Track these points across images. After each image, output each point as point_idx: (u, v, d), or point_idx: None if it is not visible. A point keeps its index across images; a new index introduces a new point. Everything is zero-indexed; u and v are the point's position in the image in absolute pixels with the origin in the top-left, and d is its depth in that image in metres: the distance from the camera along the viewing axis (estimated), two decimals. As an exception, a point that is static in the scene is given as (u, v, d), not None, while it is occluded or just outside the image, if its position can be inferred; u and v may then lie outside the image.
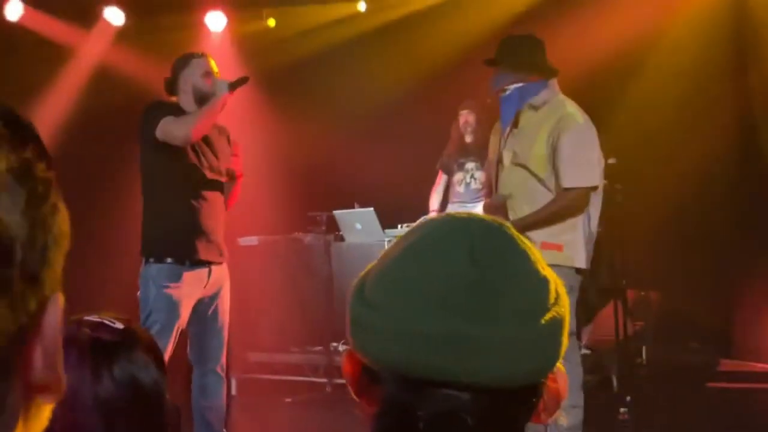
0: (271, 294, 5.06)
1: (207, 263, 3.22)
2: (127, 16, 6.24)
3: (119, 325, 0.93)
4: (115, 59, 6.34)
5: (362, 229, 4.93)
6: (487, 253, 0.66)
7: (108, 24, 6.24)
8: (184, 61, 3.41)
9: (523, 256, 0.68)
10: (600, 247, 4.62)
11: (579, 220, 3.19)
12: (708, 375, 4.99)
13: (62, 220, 0.46)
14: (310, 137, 6.02)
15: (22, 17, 6.05)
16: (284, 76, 6.24)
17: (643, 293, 5.36)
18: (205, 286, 3.22)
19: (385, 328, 0.65)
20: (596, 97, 4.87)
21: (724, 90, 5.32)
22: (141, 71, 6.31)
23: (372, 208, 4.87)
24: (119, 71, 6.33)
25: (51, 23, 6.22)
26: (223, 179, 3.36)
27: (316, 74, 6.21)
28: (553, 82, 3.29)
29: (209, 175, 3.29)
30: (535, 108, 3.25)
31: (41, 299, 0.43)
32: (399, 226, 5.01)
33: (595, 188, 3.17)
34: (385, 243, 4.83)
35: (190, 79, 3.36)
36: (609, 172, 3.90)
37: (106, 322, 0.92)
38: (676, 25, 5.33)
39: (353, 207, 5.04)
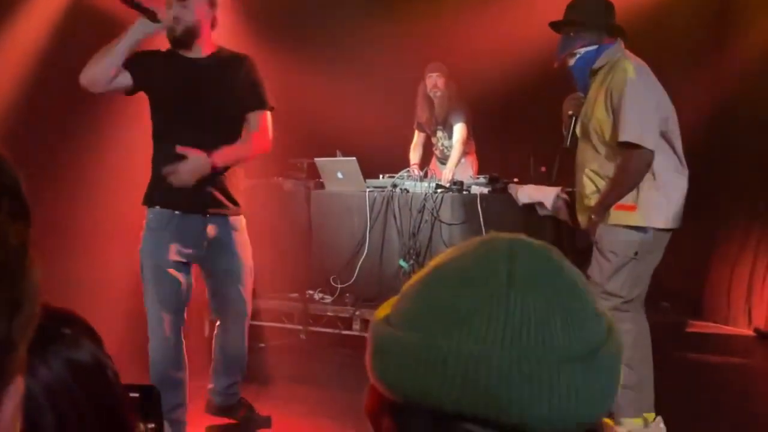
0: (249, 238, 5.01)
1: (200, 213, 2.93)
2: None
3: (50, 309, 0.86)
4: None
5: (344, 178, 4.87)
6: (527, 279, 0.59)
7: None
8: None
9: (570, 287, 0.61)
10: (571, 207, 4.63)
11: (653, 179, 3.07)
12: (677, 335, 5.07)
13: (34, 296, 0.39)
14: (293, 81, 5.88)
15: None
16: (270, 15, 6.06)
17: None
18: (203, 238, 2.94)
19: (409, 352, 0.59)
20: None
21: (702, 67, 5.28)
22: (120, 8, 6.07)
23: (354, 158, 4.80)
24: (95, 7, 6.09)
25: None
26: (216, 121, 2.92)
27: (303, 16, 6.04)
28: (618, 43, 3.12)
29: (182, 117, 2.90)
30: (595, 72, 3.12)
31: None
32: (381, 176, 4.96)
33: (651, 152, 3.01)
34: (366, 193, 4.78)
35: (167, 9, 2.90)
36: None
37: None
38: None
39: (335, 155, 4.97)
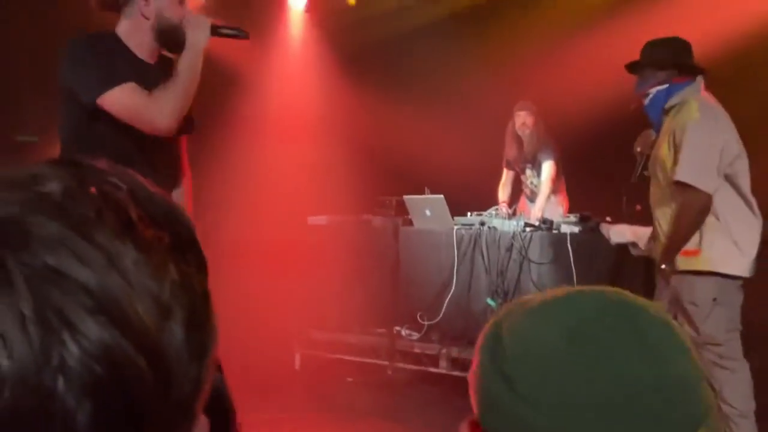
0: (337, 273, 5.12)
1: None
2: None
3: None
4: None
5: (431, 215, 4.91)
6: (658, 352, 0.61)
7: (193, -3, 6.35)
8: None
9: (685, 352, 0.63)
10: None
11: (716, 221, 3.03)
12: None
13: (216, 339, 0.43)
14: (384, 119, 6.02)
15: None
16: (363, 56, 6.25)
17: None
18: None
19: (522, 423, 0.60)
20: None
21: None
22: (223, 43, 6.41)
23: (442, 196, 4.84)
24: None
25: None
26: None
27: (394, 56, 6.20)
28: (698, 81, 3.14)
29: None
30: (667, 111, 3.15)
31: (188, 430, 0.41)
32: (468, 214, 4.98)
33: (707, 195, 2.99)
34: (454, 230, 4.80)
35: (157, 1, 2.35)
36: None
37: None
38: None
39: (423, 192, 5.03)
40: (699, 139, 2.98)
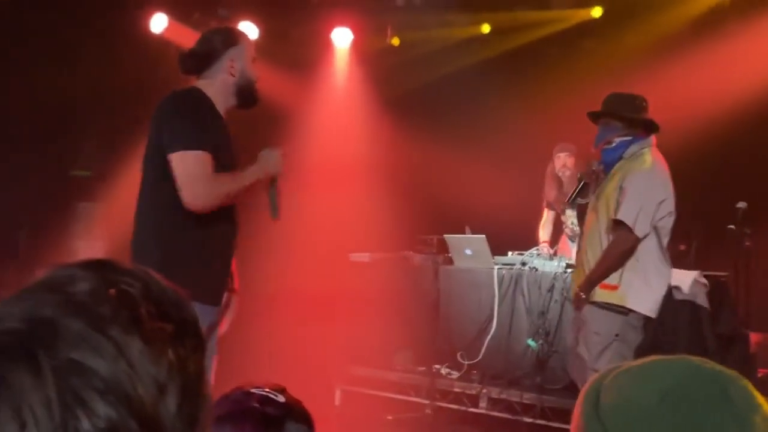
0: (379, 310, 5.16)
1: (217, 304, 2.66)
2: (260, 30, 6.52)
3: (281, 399, 1.05)
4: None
5: (472, 254, 4.93)
6: (743, 417, 0.67)
7: (242, 38, 6.53)
8: (233, 37, 2.64)
9: (766, 420, 0.69)
10: (723, 291, 4.44)
11: (636, 262, 3.30)
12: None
13: (207, 411, 0.53)
14: (425, 158, 6.09)
15: (166, 30, 6.46)
16: (405, 95, 6.35)
17: (769, 337, 5.08)
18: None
19: None
20: (730, 139, 4.70)
21: None
22: (269, 82, 6.58)
23: (483, 235, 4.87)
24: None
25: (192, 36, 6.58)
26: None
27: (436, 96, 6.28)
28: (651, 137, 3.43)
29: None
30: (624, 159, 3.42)
31: None
32: (509, 253, 4.98)
33: (637, 238, 3.26)
34: (495, 270, 4.81)
35: (240, 62, 2.59)
36: (738, 217, 3.86)
37: (271, 396, 1.04)
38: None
39: (464, 231, 5.06)
40: (646, 186, 3.29)
